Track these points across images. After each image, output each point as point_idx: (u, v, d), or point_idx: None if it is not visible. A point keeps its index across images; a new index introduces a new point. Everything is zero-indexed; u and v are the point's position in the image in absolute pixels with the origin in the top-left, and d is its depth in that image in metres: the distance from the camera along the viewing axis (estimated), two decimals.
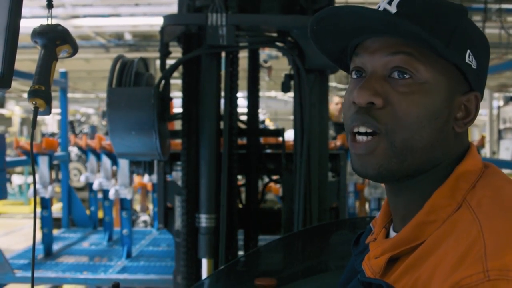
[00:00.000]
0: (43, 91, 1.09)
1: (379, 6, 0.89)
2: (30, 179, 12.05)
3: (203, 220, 2.90)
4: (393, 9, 0.86)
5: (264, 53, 8.20)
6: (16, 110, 18.68)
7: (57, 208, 7.21)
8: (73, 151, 8.75)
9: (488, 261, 0.72)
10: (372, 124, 0.85)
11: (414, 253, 0.83)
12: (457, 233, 0.78)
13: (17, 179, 12.11)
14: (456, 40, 0.86)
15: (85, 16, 10.11)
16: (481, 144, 4.61)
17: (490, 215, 0.78)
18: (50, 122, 16.78)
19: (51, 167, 4.86)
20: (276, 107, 18.21)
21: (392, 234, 0.95)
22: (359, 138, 0.87)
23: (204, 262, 2.94)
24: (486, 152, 11.49)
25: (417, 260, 0.82)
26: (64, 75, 5.66)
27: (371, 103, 0.85)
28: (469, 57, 0.87)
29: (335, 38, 0.93)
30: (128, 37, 11.74)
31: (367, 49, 0.89)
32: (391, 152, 0.85)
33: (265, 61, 8.39)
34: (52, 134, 11.54)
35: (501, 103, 11.44)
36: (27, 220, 10.84)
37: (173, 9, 8.50)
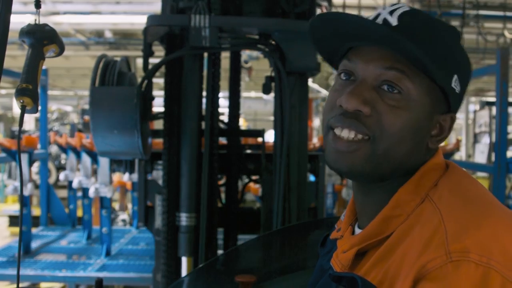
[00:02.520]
0: (30, 89, 1.11)
1: (379, 14, 0.91)
2: (6, 176, 11.90)
3: (184, 219, 2.93)
4: (394, 21, 0.89)
5: (245, 53, 8.24)
6: None
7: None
8: None
9: (449, 244, 0.77)
10: (360, 128, 0.88)
11: (383, 246, 0.87)
12: (421, 224, 0.83)
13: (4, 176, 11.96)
14: (447, 64, 0.90)
15: (65, 13, 10.03)
16: (457, 147, 4.70)
17: (449, 205, 0.84)
18: (27, 119, 16.60)
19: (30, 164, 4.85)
20: (256, 107, 18.24)
21: (358, 231, 0.98)
22: (343, 135, 0.89)
23: (184, 260, 2.97)
24: (462, 155, 11.67)
25: (385, 252, 0.86)
26: (45, 72, 5.64)
27: (359, 110, 0.88)
28: (455, 82, 0.91)
29: (332, 39, 0.96)
30: (108, 35, 11.67)
31: (362, 57, 0.91)
32: (369, 158, 0.89)
33: (246, 62, 8.43)
34: (23, 132, 11.41)
35: (478, 107, 11.61)
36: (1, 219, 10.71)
37: (154, 7, 8.50)
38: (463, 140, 11.99)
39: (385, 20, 0.90)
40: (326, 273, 1.01)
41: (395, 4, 0.93)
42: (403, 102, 0.88)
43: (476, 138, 9.97)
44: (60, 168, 10.13)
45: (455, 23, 9.16)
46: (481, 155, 9.28)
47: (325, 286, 0.98)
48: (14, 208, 10.12)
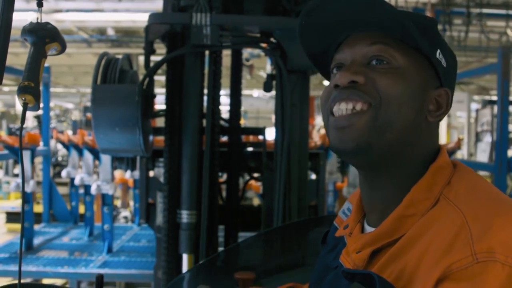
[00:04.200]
0: (32, 87, 1.12)
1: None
2: (2, 173, 11.90)
3: (184, 216, 2.95)
4: None
5: (246, 51, 8.26)
6: None
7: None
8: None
9: (475, 245, 0.77)
10: (358, 95, 0.90)
11: (397, 243, 0.87)
12: (440, 223, 0.83)
13: (1, 174, 11.98)
14: (429, 36, 0.93)
15: (67, 10, 10.05)
16: (458, 146, 4.70)
17: (469, 204, 0.84)
18: (27, 116, 16.58)
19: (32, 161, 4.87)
20: (258, 105, 18.26)
21: (367, 228, 0.98)
22: (340, 112, 0.91)
23: (185, 257, 2.98)
24: (464, 154, 11.66)
25: (400, 250, 0.86)
26: (47, 70, 5.65)
27: (353, 82, 0.90)
28: (439, 55, 0.94)
29: (320, 33, 0.99)
30: (110, 32, 11.70)
31: (348, 44, 0.95)
32: (372, 126, 0.89)
33: (247, 60, 8.45)
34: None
35: (480, 106, 11.59)
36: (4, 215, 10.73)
37: (156, 5, 8.51)
38: (465, 138, 11.98)
39: None
40: (332, 271, 1.01)
41: None
42: (393, 70, 0.91)
43: (478, 137, 9.96)
44: (57, 165, 10.14)
45: (457, 21, 9.16)
46: (483, 154, 9.27)
47: (334, 284, 0.98)
48: (12, 204, 10.13)
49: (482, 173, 8.43)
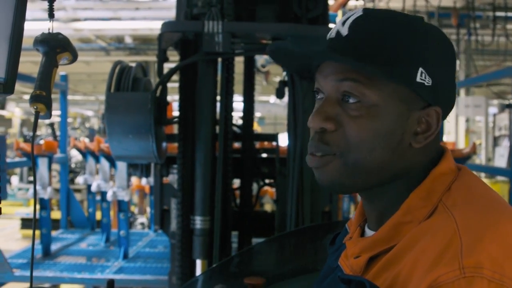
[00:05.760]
0: (44, 96, 1.15)
1: (335, 26, 0.93)
2: (17, 180, 12.06)
3: (198, 222, 2.97)
4: (345, 31, 0.90)
5: (262, 58, 8.28)
6: (16, 111, 18.72)
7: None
8: None
9: (463, 258, 0.77)
10: (324, 149, 0.90)
11: (393, 250, 0.87)
12: (434, 231, 0.83)
13: (16, 180, 12.15)
14: (405, 60, 0.88)
15: (85, 19, 10.20)
16: (473, 151, 4.66)
17: (465, 214, 0.83)
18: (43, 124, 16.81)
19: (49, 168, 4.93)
20: (275, 111, 18.27)
21: (368, 231, 0.99)
22: (311, 151, 0.92)
23: (199, 263, 3.00)
24: (481, 159, 11.54)
25: (396, 256, 0.86)
26: (64, 78, 5.74)
27: (324, 128, 0.90)
28: (421, 75, 0.88)
29: (293, 62, 1.00)
30: (128, 40, 11.83)
31: (321, 73, 0.93)
32: (343, 170, 0.90)
33: (263, 66, 8.46)
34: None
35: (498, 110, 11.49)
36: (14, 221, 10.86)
37: (173, 13, 8.58)
38: (482, 143, 11.86)
39: (337, 32, 0.91)
40: (333, 271, 1.02)
41: (351, 11, 0.93)
42: (364, 110, 0.88)
43: (496, 142, 9.87)
44: (70, 171, 10.24)
45: (475, 25, 9.11)
46: (501, 159, 9.18)
47: (332, 285, 0.99)
48: (26, 211, 10.25)
49: (500, 178, 8.34)
